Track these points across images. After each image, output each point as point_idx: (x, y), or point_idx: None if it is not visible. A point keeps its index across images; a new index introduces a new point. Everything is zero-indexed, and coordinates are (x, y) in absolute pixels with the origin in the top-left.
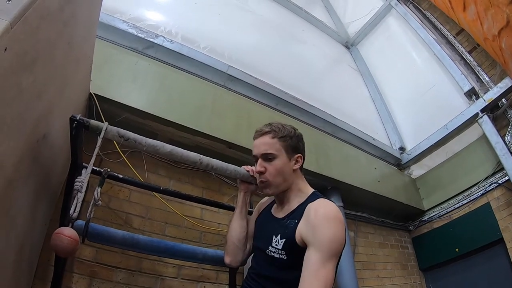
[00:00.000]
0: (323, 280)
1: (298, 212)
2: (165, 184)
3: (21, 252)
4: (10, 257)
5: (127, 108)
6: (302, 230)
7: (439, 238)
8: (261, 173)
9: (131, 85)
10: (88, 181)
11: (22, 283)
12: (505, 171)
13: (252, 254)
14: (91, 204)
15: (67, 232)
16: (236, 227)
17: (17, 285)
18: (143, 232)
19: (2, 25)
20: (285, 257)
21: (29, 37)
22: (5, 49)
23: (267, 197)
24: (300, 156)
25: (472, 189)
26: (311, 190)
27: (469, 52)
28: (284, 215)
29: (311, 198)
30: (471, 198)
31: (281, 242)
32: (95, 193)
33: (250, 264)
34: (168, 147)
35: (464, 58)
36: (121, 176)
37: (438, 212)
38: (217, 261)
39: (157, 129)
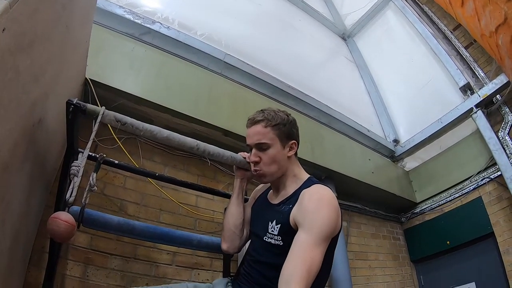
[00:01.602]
0: (308, 263)
1: (293, 198)
2: (160, 171)
3: (16, 239)
4: (6, 244)
5: (123, 94)
6: (295, 214)
7: (431, 230)
8: (256, 163)
9: (127, 71)
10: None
11: (17, 270)
12: (497, 166)
13: (249, 241)
14: (87, 189)
15: (64, 216)
16: (233, 213)
17: (12, 272)
18: (138, 218)
19: (1, 4)
20: (281, 243)
21: (28, 18)
22: (3, 30)
23: (262, 185)
24: (294, 143)
25: (465, 183)
26: (306, 175)
27: (466, 48)
28: (279, 201)
29: (307, 184)
30: (463, 192)
31: (277, 227)
32: (91, 178)
33: (246, 250)
34: (165, 132)
35: (460, 54)
36: (116, 162)
37: (430, 204)
38: (212, 248)
39: (152, 116)
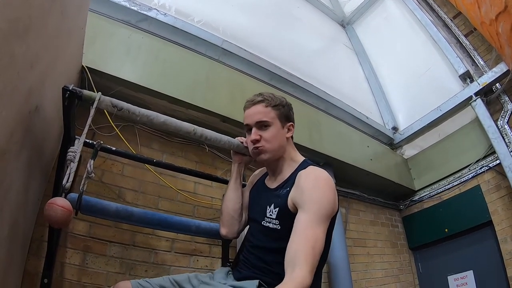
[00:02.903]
0: (311, 240)
1: (290, 181)
2: (158, 157)
3: (14, 227)
4: (4, 233)
5: (120, 81)
6: (293, 196)
7: (429, 218)
8: (256, 141)
9: (124, 58)
10: (81, 155)
11: (16, 259)
12: (496, 155)
13: (248, 226)
14: (84, 176)
15: (60, 202)
16: (231, 198)
17: (11, 261)
18: (136, 205)
19: None
20: (279, 227)
21: (22, 4)
22: None
23: (259, 169)
24: (291, 125)
25: (463, 171)
26: (301, 158)
27: (466, 36)
28: (277, 185)
29: (302, 166)
30: (462, 180)
31: (275, 211)
32: (88, 165)
33: (245, 237)
34: (162, 117)
35: (460, 42)
36: (114, 148)
37: (428, 192)
38: (211, 233)
39: (150, 103)
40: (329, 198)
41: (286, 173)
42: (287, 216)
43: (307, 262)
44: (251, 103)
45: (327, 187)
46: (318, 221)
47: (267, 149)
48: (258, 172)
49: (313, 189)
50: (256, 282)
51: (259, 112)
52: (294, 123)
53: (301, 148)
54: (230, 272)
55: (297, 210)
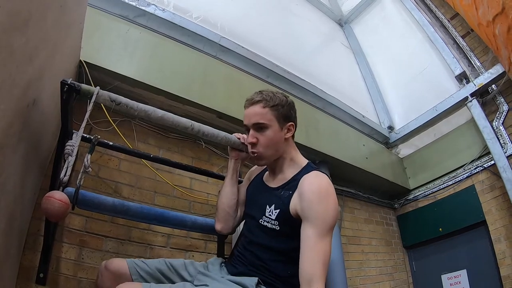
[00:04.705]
0: (321, 254)
1: (293, 184)
2: (154, 153)
3: (11, 221)
4: (1, 225)
5: (118, 76)
6: (296, 202)
7: (424, 217)
8: (253, 144)
9: (122, 53)
10: (78, 149)
11: (13, 253)
12: (491, 156)
13: (244, 222)
14: (81, 171)
15: (58, 195)
16: (227, 194)
17: (7, 255)
18: (132, 201)
19: None
20: (278, 228)
21: None
22: None
23: (257, 166)
24: (292, 125)
25: (458, 171)
26: (305, 161)
27: (463, 37)
28: (278, 185)
29: (306, 170)
30: (457, 180)
31: (275, 212)
32: (85, 160)
33: (240, 232)
34: (160, 112)
35: (457, 42)
36: (111, 143)
37: (423, 191)
38: (206, 229)
39: (147, 98)
40: (335, 209)
41: (288, 174)
42: (287, 219)
43: (321, 278)
44: (250, 102)
45: (330, 198)
46: (325, 234)
47: (262, 155)
48: (255, 168)
49: (319, 203)
50: (255, 279)
51: (256, 113)
52: (296, 122)
53: (297, 146)
54: (223, 265)
55: (298, 216)
